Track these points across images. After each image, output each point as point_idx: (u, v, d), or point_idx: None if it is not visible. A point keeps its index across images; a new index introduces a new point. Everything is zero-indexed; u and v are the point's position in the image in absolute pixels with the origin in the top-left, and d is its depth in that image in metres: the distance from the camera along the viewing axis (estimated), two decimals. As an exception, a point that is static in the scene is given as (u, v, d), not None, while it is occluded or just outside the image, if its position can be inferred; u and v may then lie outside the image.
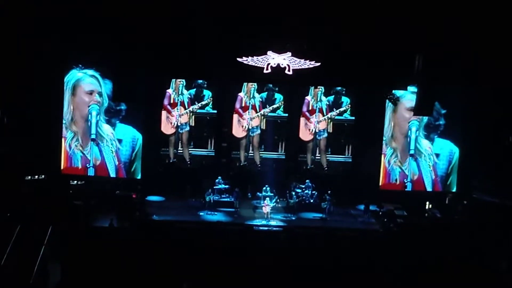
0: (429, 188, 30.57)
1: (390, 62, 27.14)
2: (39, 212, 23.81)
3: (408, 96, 29.47)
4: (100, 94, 29.05)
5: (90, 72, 28.80)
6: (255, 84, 30.60)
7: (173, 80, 30.37)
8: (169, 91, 30.42)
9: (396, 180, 30.43)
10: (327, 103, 30.99)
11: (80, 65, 28.62)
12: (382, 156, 30.36)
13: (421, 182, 30.57)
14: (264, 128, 31.10)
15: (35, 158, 27.86)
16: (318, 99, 30.89)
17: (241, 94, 30.69)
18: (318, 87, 30.72)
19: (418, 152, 30.41)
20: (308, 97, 30.94)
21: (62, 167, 29.36)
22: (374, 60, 27.14)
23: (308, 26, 26.39)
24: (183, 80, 30.39)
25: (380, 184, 30.45)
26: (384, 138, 30.19)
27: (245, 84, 30.61)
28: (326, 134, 31.26)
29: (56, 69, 28.29)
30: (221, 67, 27.22)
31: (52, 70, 27.99)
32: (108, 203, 27.07)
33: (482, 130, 28.97)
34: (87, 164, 29.31)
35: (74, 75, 28.81)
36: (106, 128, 29.38)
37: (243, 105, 30.78)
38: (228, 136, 30.96)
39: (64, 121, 29.08)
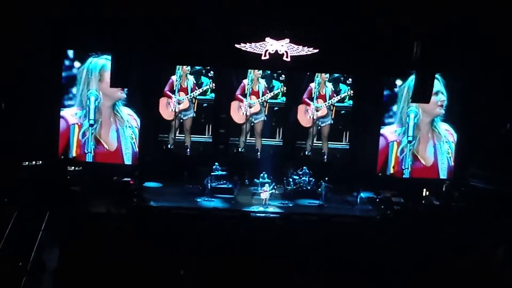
0: (442, 176, 30.61)
1: (389, 49, 27.18)
2: (37, 198, 23.81)
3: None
4: None
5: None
6: (261, 71, 30.55)
7: (179, 66, 30.30)
8: (173, 77, 30.38)
9: (408, 167, 30.52)
10: (333, 89, 31.02)
11: (97, 52, 28.48)
12: (395, 144, 30.36)
13: (435, 169, 30.65)
14: (267, 114, 31.12)
15: (33, 144, 27.82)
16: (325, 86, 30.88)
17: (245, 81, 30.69)
18: (324, 74, 30.71)
19: (437, 136, 30.46)
20: (312, 84, 30.94)
21: (74, 155, 29.41)
22: (372, 47, 27.19)
23: (306, 12, 26.42)
24: (189, 67, 30.33)
25: (392, 172, 30.56)
26: (402, 127, 30.23)
27: (250, 71, 30.57)
28: (329, 121, 31.30)
29: (54, 54, 28.16)
30: (219, 53, 27.21)
31: (50, 55, 27.88)
32: (105, 189, 27.07)
33: (479, 117, 28.98)
34: (85, 150, 29.30)
35: (96, 63, 28.68)
36: (125, 111, 29.42)
37: (245, 92, 30.78)
38: (226, 122, 30.98)
39: (84, 110, 29.13)
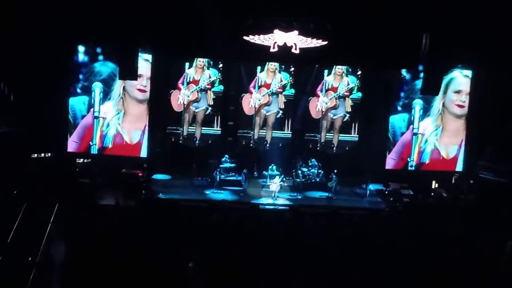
0: (459, 168, 30.71)
1: (398, 41, 27.05)
2: (46, 191, 23.86)
3: (458, 78, 29.75)
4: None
5: (145, 55, 28.60)
6: (277, 64, 30.59)
7: (196, 59, 30.36)
8: (189, 70, 30.49)
9: (427, 160, 30.55)
10: (349, 81, 31.14)
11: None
12: (420, 136, 30.36)
13: (454, 162, 30.69)
14: (283, 108, 31.19)
15: (42, 136, 27.89)
16: (341, 79, 31.03)
17: (260, 74, 30.83)
18: (340, 67, 30.80)
19: None
20: (329, 77, 31.03)
21: (97, 149, 29.54)
22: (381, 39, 27.05)
23: (315, 4, 26.34)
24: (205, 60, 30.39)
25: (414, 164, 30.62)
26: (430, 115, 30.27)
27: (267, 63, 30.59)
28: (342, 113, 31.30)
29: (63, 45, 28.11)
30: (228, 46, 27.15)
31: (59, 47, 27.83)
32: (114, 181, 27.14)
33: (489, 109, 28.88)
34: (90, 142, 29.32)
35: None
36: None
37: (258, 84, 30.86)
38: (235, 114, 31.02)
39: (113, 99, 29.24)
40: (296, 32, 27.45)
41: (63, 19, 26.53)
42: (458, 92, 29.82)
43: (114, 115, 29.32)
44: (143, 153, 29.68)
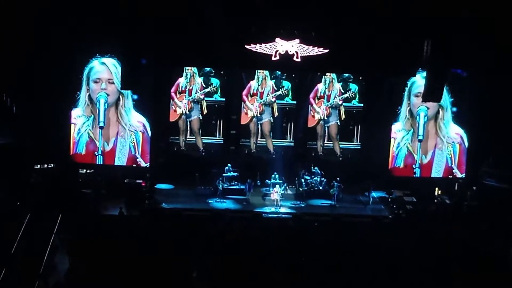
0: (435, 174, 30.36)
1: (399, 48, 27.03)
2: (49, 201, 23.89)
3: (418, 82, 29.33)
4: (111, 82, 28.93)
5: (104, 59, 28.46)
6: (266, 71, 30.60)
7: (185, 68, 30.35)
8: (180, 79, 30.45)
9: (401, 164, 30.32)
10: (341, 89, 31.03)
11: (98, 54, 28.38)
12: (392, 140, 30.11)
13: (429, 168, 30.41)
14: (276, 115, 31.12)
15: (45, 147, 27.89)
16: (333, 86, 30.95)
17: (252, 82, 30.76)
18: (330, 74, 30.76)
19: (440, 142, 30.25)
20: (320, 84, 30.96)
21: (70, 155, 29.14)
22: (383, 46, 27.04)
23: (316, 12, 26.37)
24: (194, 68, 30.38)
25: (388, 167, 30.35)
26: (399, 120, 29.97)
27: (257, 71, 30.61)
28: (335, 121, 31.27)
29: (65, 56, 28.02)
30: (229, 54, 27.14)
31: (61, 57, 27.77)
32: (117, 191, 27.13)
33: (491, 115, 28.82)
34: (96, 152, 29.24)
35: (92, 65, 28.58)
36: (130, 117, 29.17)
37: (251, 92, 30.85)
38: (237, 123, 31.02)
39: (80, 106, 28.88)
40: (297, 40, 27.44)
41: (66, 30, 26.58)
42: (418, 95, 29.47)
43: (84, 122, 29.09)
44: (118, 160, 29.37)
